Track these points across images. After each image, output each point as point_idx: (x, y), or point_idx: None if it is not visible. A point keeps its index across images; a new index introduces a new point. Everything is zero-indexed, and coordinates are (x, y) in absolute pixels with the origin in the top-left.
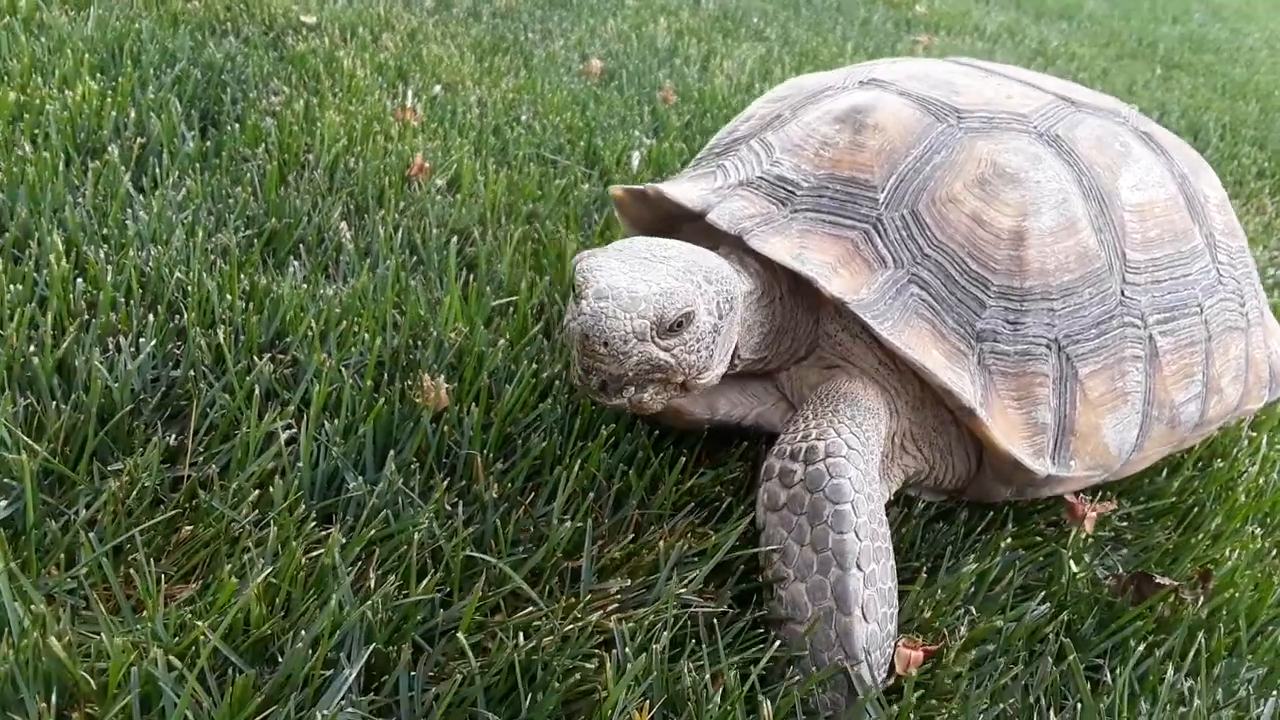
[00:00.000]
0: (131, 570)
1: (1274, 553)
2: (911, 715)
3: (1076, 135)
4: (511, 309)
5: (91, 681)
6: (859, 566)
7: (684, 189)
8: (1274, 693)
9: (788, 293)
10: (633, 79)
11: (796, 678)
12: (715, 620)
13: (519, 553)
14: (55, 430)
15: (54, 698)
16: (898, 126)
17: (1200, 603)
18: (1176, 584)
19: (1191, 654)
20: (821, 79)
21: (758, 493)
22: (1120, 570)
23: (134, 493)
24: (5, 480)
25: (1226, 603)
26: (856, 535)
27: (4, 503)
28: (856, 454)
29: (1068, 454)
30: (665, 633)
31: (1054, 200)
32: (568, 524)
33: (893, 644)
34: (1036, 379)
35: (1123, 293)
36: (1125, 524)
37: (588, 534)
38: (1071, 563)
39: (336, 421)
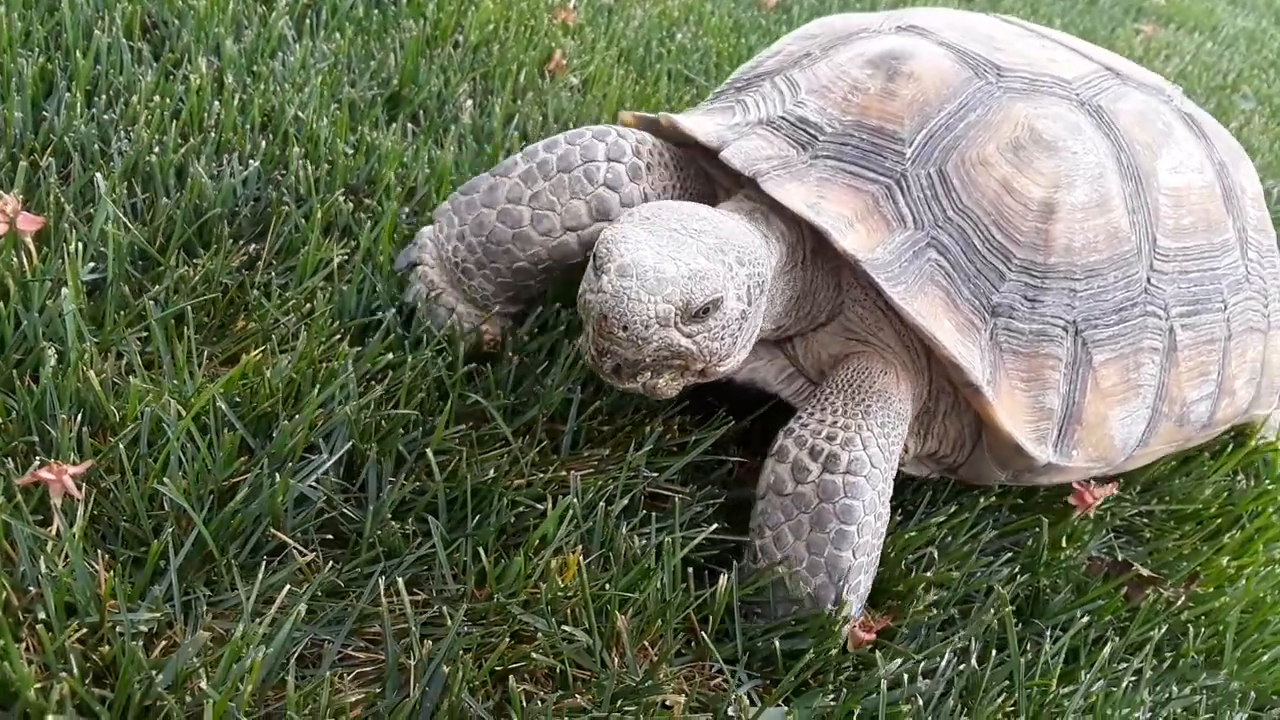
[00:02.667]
0: (177, 340)
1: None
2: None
3: (1119, 108)
4: None
5: (116, 414)
6: (847, 578)
7: (699, 122)
8: (1231, 709)
9: (811, 253)
10: (806, 13)
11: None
12: (675, 500)
13: (515, 401)
14: (156, 221)
15: (81, 422)
16: (934, 77)
17: (1181, 601)
18: (1157, 577)
19: (1149, 650)
20: (856, 19)
21: (765, 462)
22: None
23: (204, 281)
24: (101, 249)
25: (1215, 611)
26: (854, 554)
27: (93, 264)
28: (878, 474)
29: (1071, 443)
30: (620, 497)
31: (1090, 174)
32: (561, 390)
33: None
34: (1049, 361)
35: (1149, 280)
36: (1146, 521)
37: (575, 401)
38: (1064, 540)
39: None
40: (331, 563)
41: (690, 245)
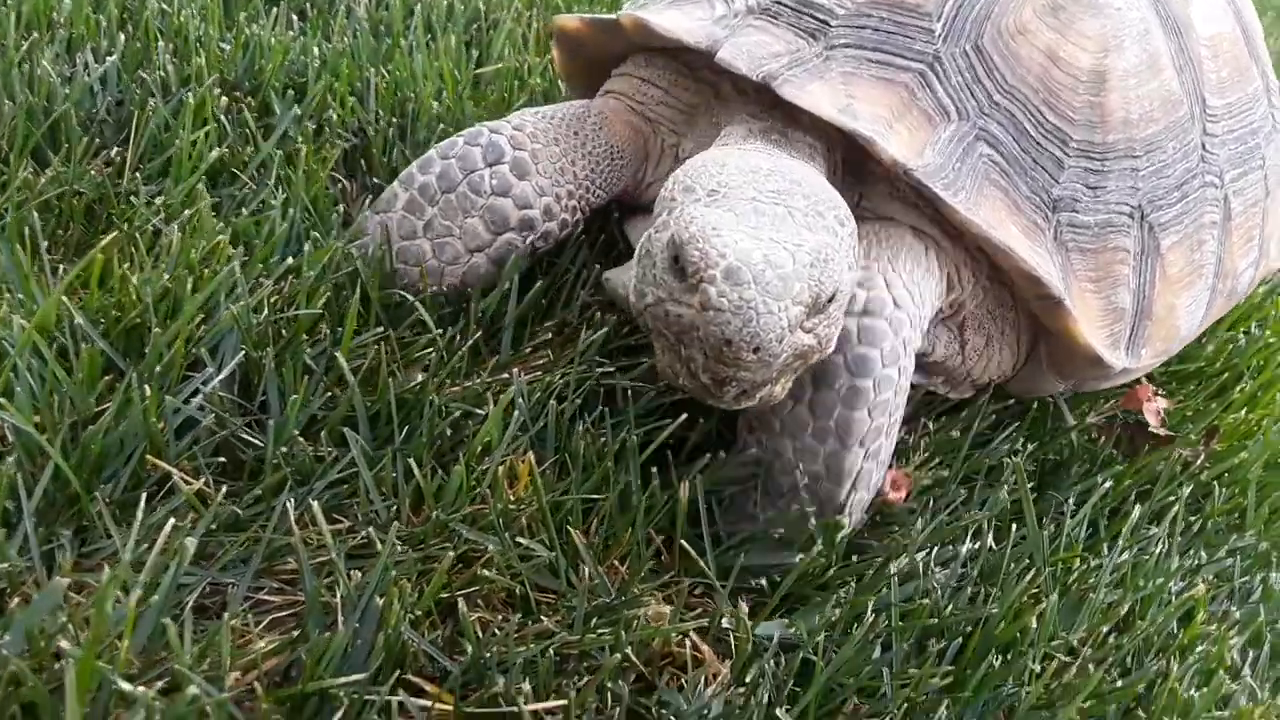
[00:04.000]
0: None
1: None
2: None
3: None
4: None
5: None
6: (861, 444)
7: (673, 19)
8: (1265, 571)
9: (840, 164)
10: None
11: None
12: (631, 393)
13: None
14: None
15: None
16: None
17: (1201, 460)
18: (1174, 434)
19: (1178, 512)
20: None
21: None
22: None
23: (54, 187)
24: None
25: (1235, 468)
26: (869, 414)
27: None
28: (903, 316)
29: (1141, 341)
30: (574, 394)
31: (1136, 32)
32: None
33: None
34: (1118, 256)
35: (1204, 146)
36: (1148, 382)
37: (511, 291)
38: (1066, 412)
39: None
40: (227, 493)
41: (787, 218)
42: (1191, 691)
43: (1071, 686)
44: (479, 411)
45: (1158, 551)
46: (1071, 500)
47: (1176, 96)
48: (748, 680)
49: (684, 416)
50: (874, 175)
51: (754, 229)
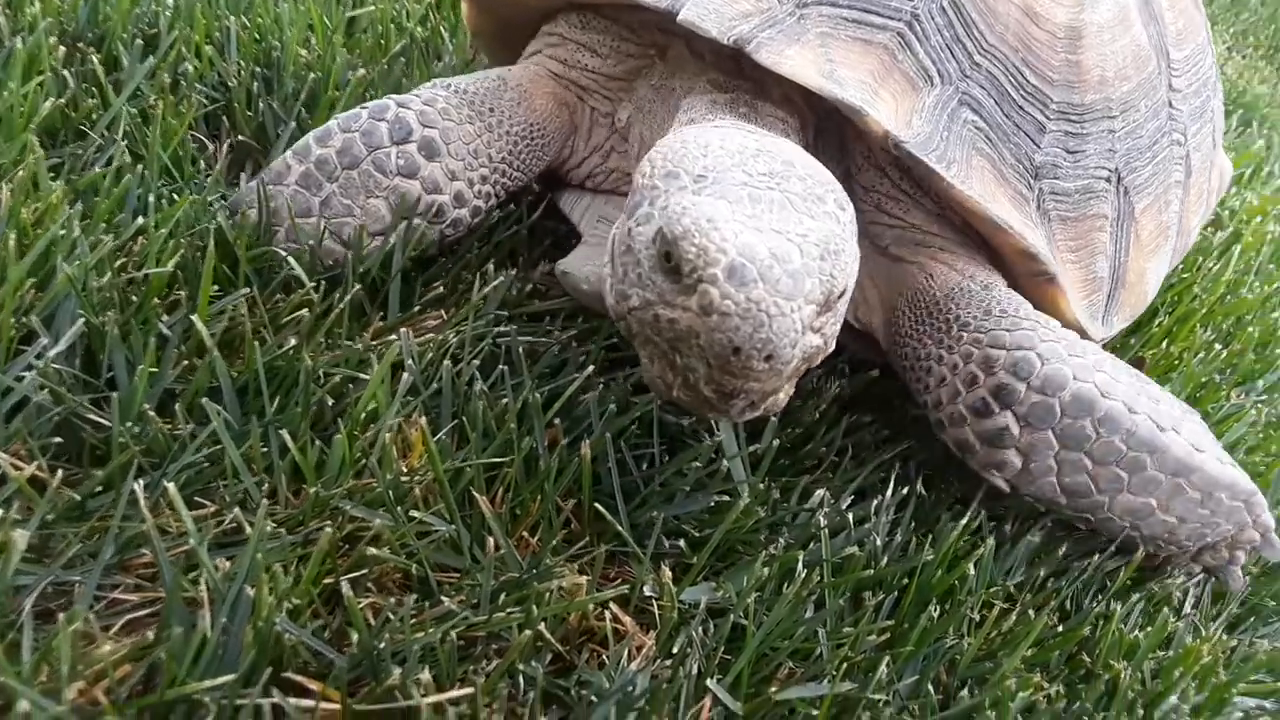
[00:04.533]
0: None
1: (1223, 352)
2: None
3: None
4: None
5: None
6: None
7: None
8: None
9: (815, 137)
10: None
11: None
12: (537, 351)
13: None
14: None
15: None
16: None
17: None
18: None
19: None
20: None
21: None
22: None
23: None
24: None
25: None
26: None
27: None
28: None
29: (1114, 310)
30: (471, 355)
31: None
32: (377, 243)
33: None
34: (1097, 223)
35: (1170, 102)
36: None
37: (399, 248)
38: None
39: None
40: (67, 479)
41: (787, 205)
42: (1136, 632)
43: (1013, 635)
44: (364, 377)
45: None
46: None
47: (1146, 52)
48: (675, 651)
49: (590, 370)
50: (850, 148)
51: (752, 218)
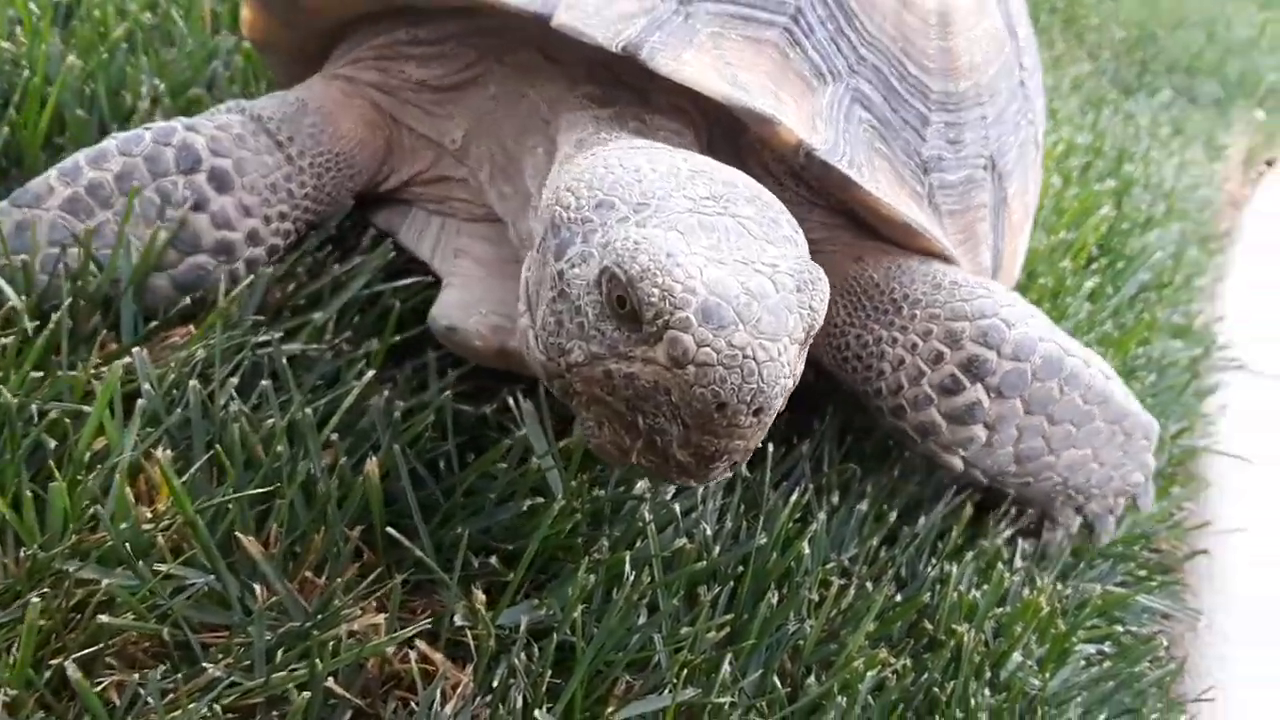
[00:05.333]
0: None
1: None
2: None
3: None
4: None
5: None
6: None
7: None
8: None
9: (705, 149)
10: None
11: None
12: (308, 359)
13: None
14: None
15: None
16: None
17: None
18: None
19: None
20: None
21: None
22: None
23: None
24: None
25: None
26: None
27: None
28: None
29: None
30: (229, 372)
31: None
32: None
33: None
34: (979, 213)
35: (1023, 82)
36: None
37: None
38: None
39: None
40: None
41: (742, 232)
42: (973, 592)
43: (854, 611)
44: (85, 409)
45: None
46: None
47: (1002, 34)
48: (495, 685)
49: (370, 375)
50: (745, 156)
51: (713, 249)
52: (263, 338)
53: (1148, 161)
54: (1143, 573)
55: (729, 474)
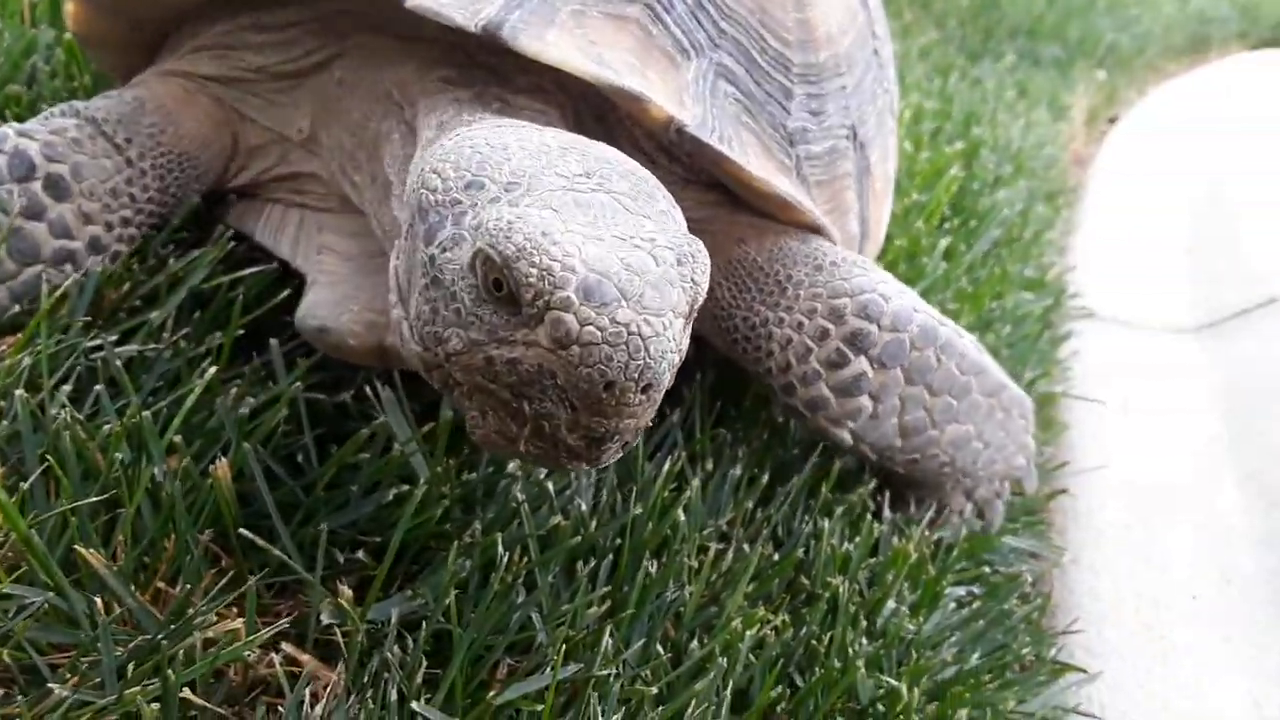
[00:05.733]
0: None
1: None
2: None
3: None
4: None
5: None
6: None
7: None
8: None
9: (575, 126)
10: None
11: None
12: (146, 359)
13: None
14: None
15: None
16: None
17: None
18: None
19: None
20: None
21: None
22: None
23: None
24: None
25: None
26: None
27: None
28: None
29: None
30: (57, 382)
31: None
32: None
33: None
34: (845, 182)
35: (876, 51)
36: None
37: None
38: None
39: None
40: None
41: (619, 209)
42: (846, 545)
43: (733, 573)
44: None
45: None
46: (698, 378)
47: (855, 4)
48: (367, 680)
49: (213, 371)
50: (615, 135)
51: (590, 226)
52: (95, 341)
53: (995, 124)
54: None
55: (620, 454)
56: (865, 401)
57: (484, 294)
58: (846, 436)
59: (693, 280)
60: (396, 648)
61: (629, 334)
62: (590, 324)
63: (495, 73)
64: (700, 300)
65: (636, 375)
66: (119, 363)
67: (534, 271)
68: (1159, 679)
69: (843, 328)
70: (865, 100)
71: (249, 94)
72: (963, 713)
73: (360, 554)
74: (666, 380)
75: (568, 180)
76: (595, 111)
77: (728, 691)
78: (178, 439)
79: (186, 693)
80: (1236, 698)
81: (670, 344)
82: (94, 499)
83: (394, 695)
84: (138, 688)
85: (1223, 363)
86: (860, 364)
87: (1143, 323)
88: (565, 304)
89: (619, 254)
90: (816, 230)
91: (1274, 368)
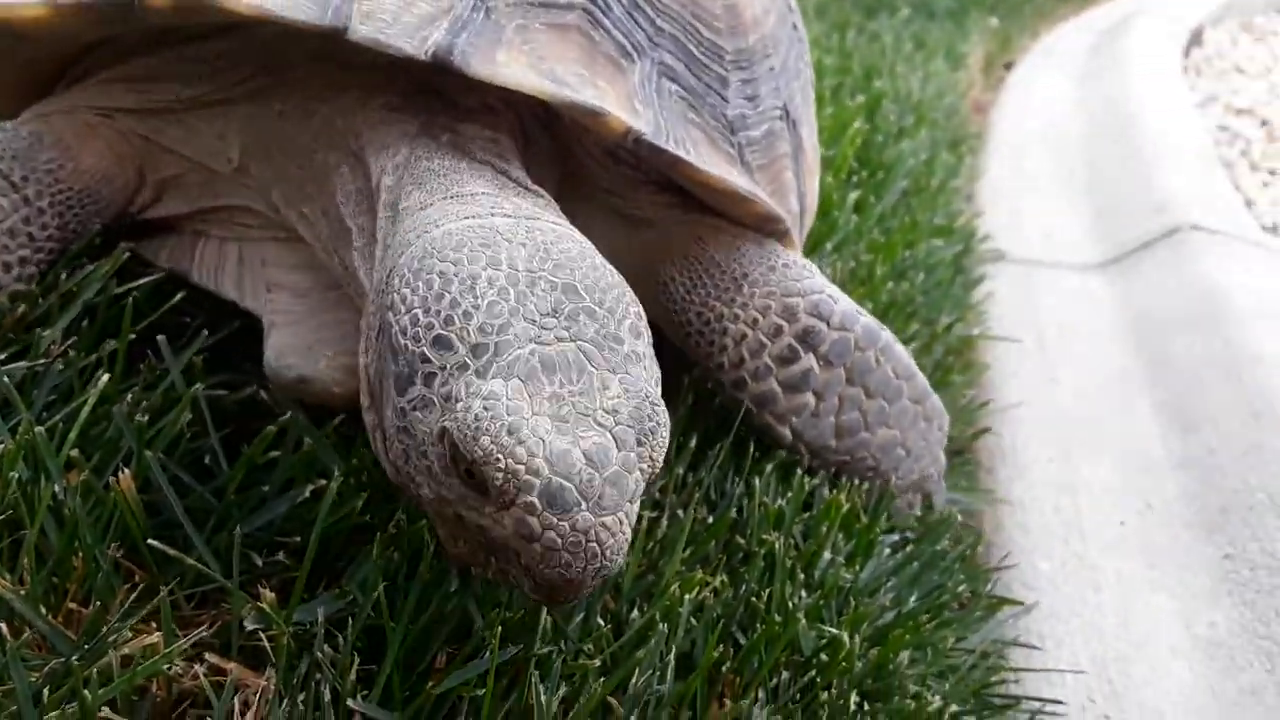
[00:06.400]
0: None
1: None
2: None
3: None
4: None
5: None
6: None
7: None
8: None
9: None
10: None
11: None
12: (36, 375)
13: None
14: None
15: None
16: None
17: None
18: None
19: None
20: None
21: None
22: None
23: None
24: None
25: None
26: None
27: None
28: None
29: (802, 239)
30: None
31: None
32: None
33: None
34: (783, 162)
35: (794, 25)
36: None
37: None
38: None
39: None
40: None
41: (585, 366)
42: (779, 501)
43: (669, 539)
44: None
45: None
46: None
47: None
48: (297, 683)
49: (105, 379)
50: (569, 148)
51: (555, 400)
52: None
53: (895, 76)
54: None
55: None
56: (809, 398)
57: (455, 469)
58: (787, 433)
59: (651, 459)
60: (327, 647)
61: (587, 541)
62: (551, 529)
63: (441, 95)
64: (657, 471)
65: (592, 574)
66: (6, 379)
67: (500, 476)
68: (1092, 606)
69: (795, 325)
70: (792, 77)
71: (168, 125)
72: (904, 655)
73: (280, 556)
74: (623, 557)
75: (535, 329)
76: (542, 122)
77: (671, 656)
78: (75, 453)
79: (106, 712)
80: (1166, 617)
81: (624, 536)
82: None
83: (328, 695)
84: (55, 712)
85: (1130, 295)
86: (809, 360)
87: (1052, 262)
88: (529, 508)
89: (581, 445)
90: (770, 219)
91: (1178, 298)
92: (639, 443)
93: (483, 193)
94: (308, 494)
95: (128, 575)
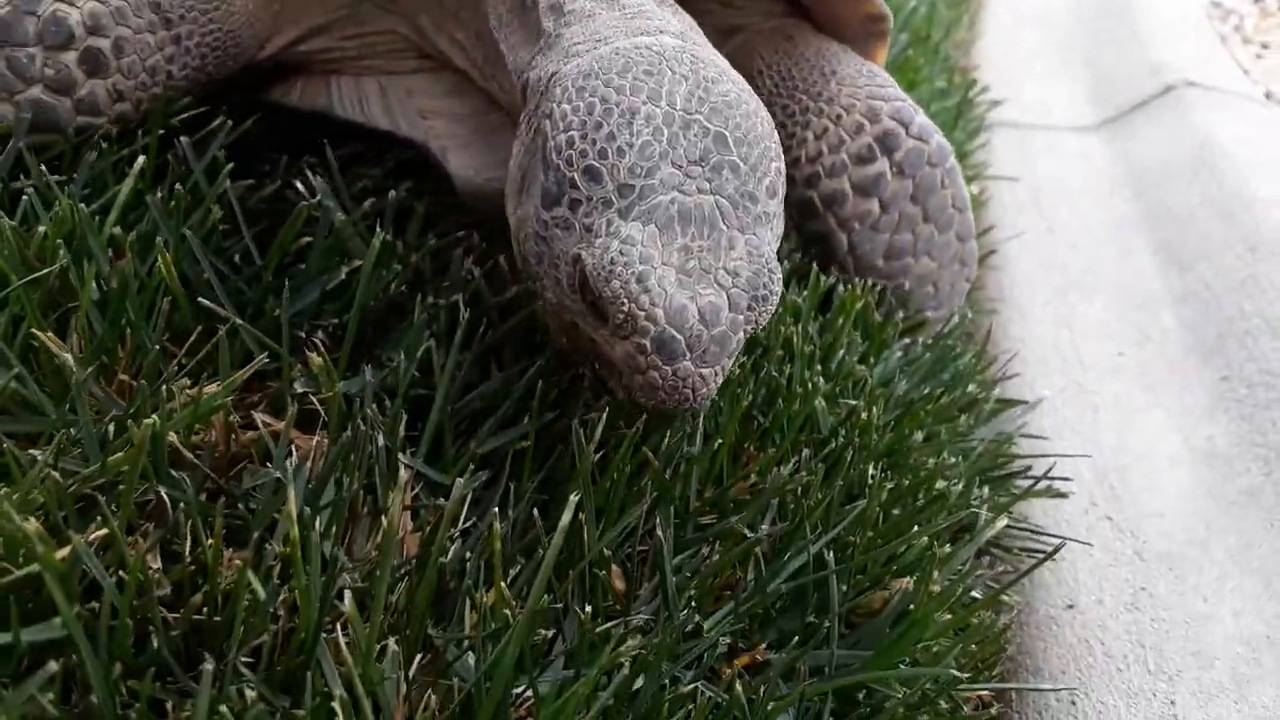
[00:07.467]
0: None
1: None
2: None
3: None
4: None
5: None
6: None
7: None
8: None
9: None
10: None
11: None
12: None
13: None
14: None
15: None
16: None
17: None
18: None
19: None
20: None
21: None
22: None
23: None
24: None
25: None
26: None
27: None
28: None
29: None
30: None
31: None
32: None
33: None
34: None
35: None
36: None
37: None
38: None
39: None
40: None
41: (718, 221)
42: (796, 297)
43: None
44: None
45: None
46: None
47: None
48: (349, 440)
49: (140, 164)
50: None
51: (684, 253)
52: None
53: None
54: None
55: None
56: (874, 206)
57: (577, 290)
58: (844, 241)
59: (756, 322)
60: (375, 407)
61: (683, 386)
62: (655, 370)
63: None
64: (762, 326)
65: (685, 407)
66: (43, 165)
67: (621, 315)
68: (1091, 424)
69: (877, 125)
70: None
71: None
72: (919, 434)
73: (320, 335)
74: (712, 396)
75: (680, 175)
76: None
77: (700, 423)
78: (117, 231)
79: (174, 439)
80: (1164, 432)
81: (716, 384)
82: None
83: (380, 451)
84: (122, 454)
85: (1127, 151)
86: (883, 164)
87: (1049, 124)
88: (640, 349)
89: (698, 300)
90: (878, 18)
91: (1175, 150)
92: (749, 307)
93: (647, 7)
94: (343, 275)
95: (173, 356)
